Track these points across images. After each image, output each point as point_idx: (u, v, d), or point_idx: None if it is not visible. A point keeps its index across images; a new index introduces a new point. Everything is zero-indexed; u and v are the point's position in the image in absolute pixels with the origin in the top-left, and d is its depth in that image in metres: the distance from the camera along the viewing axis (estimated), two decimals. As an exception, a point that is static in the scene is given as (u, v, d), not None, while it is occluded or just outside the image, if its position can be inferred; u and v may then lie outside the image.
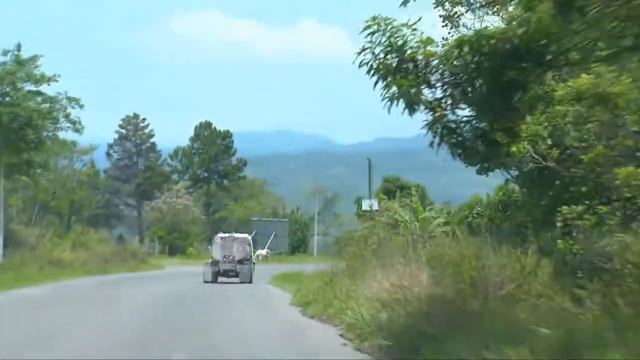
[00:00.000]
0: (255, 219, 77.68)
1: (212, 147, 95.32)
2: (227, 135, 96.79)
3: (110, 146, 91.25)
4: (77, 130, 60.99)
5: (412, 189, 54.21)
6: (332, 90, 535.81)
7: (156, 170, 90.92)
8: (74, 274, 41.48)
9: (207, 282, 37.69)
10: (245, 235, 41.74)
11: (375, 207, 42.24)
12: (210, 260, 39.18)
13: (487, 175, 32.12)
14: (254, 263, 40.84)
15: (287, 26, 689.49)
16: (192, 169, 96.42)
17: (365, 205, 44.59)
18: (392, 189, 72.95)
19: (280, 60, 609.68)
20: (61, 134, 44.94)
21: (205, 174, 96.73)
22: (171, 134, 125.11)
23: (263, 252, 70.69)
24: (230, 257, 38.80)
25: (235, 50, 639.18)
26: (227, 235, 40.47)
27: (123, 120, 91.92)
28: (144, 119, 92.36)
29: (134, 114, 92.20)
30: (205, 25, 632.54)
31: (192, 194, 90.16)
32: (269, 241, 75.15)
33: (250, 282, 38.36)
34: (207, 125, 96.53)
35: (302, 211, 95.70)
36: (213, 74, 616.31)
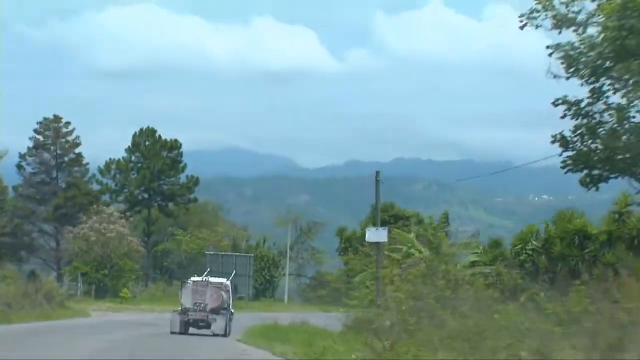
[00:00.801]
0: (211, 252, 72.76)
1: (155, 161, 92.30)
2: (174, 146, 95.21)
3: (22, 156, 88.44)
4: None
5: (428, 217, 54.08)
6: (296, 103, 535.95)
7: (82, 189, 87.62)
8: (-34, 322, 40.43)
9: (175, 333, 38.95)
10: (223, 280, 42.58)
11: (384, 238, 42.08)
12: (178, 308, 40.29)
13: (597, 189, 27.04)
14: (232, 312, 41.43)
15: (239, 25, 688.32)
16: (129, 188, 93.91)
17: (370, 236, 43.61)
18: (385, 219, 69.45)
19: (232, 67, 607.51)
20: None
21: (146, 195, 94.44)
22: (101, 147, 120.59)
23: (223, 296, 67.06)
24: (202, 305, 39.83)
25: (177, 53, 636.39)
26: (200, 279, 41.48)
27: (40, 124, 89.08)
28: (67, 123, 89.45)
29: (55, 116, 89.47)
30: (142, 21, 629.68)
31: (129, 220, 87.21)
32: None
33: (226, 335, 39.21)
34: (150, 132, 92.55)
35: (270, 244, 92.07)
36: (152, 81, 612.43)
